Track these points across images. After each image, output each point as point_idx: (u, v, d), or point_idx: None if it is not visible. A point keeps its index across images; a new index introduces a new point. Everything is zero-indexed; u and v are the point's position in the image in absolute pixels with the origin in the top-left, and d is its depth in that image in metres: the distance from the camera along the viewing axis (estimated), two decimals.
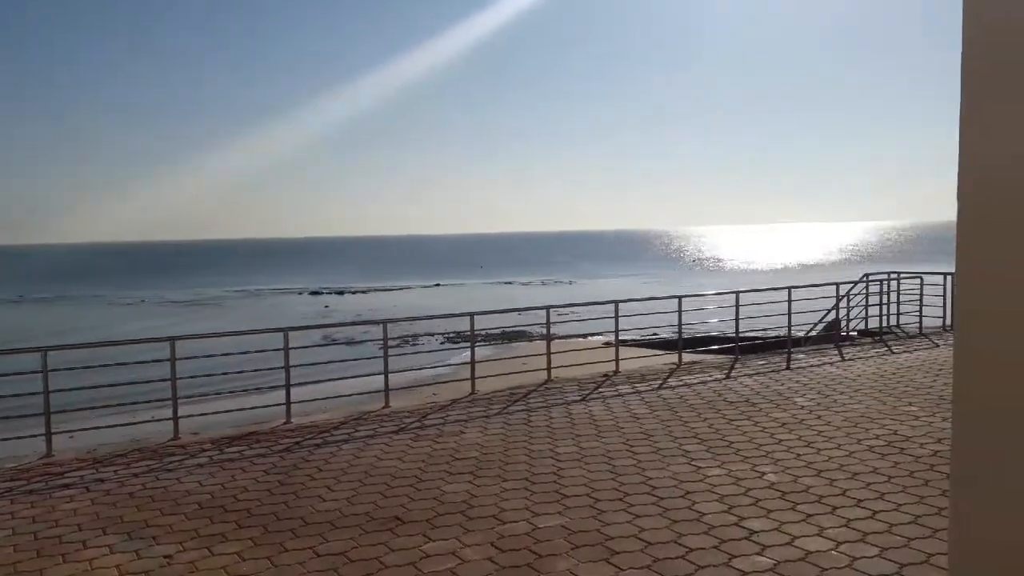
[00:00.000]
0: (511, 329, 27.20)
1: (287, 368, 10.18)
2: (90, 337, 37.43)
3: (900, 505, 6.28)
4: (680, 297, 13.70)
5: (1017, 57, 1.42)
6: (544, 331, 12.78)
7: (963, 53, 1.52)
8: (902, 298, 16.85)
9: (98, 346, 12.51)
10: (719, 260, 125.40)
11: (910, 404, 9.68)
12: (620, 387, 11.46)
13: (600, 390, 11.30)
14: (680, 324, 13.61)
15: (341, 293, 69.33)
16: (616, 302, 13.19)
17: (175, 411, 9.49)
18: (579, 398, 10.80)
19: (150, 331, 30.89)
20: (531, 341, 24.58)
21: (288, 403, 10.11)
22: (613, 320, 13.16)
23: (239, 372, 12.00)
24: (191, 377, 10.74)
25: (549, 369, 12.29)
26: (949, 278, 15.62)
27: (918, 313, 16.36)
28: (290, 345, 10.22)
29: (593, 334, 19.66)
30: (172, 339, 9.54)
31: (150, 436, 9.65)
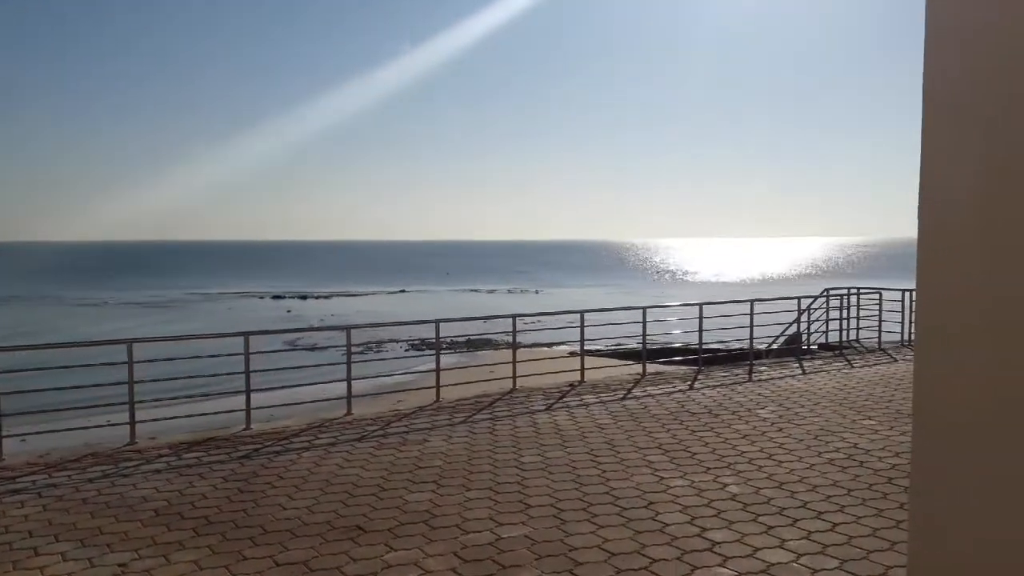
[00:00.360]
0: (477, 337, 27.16)
1: (247, 373, 10.03)
2: (42, 339, 36.56)
3: (859, 518, 6.36)
4: (645, 308, 13.78)
5: (977, 77, 1.44)
6: (510, 340, 12.76)
7: (924, 72, 1.54)
8: (862, 313, 17.14)
9: (53, 348, 12.22)
10: (684, 272, 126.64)
11: (869, 418, 9.83)
12: (585, 397, 11.47)
13: (565, 400, 11.30)
14: (644, 335, 13.68)
15: (304, 298, 68.66)
16: (582, 312, 13.23)
17: (132, 415, 9.29)
18: (544, 407, 10.79)
19: (106, 333, 30.30)
20: (497, 349, 24.55)
21: (248, 408, 9.95)
22: (579, 330, 13.19)
23: (198, 376, 11.80)
24: (149, 381, 10.52)
25: (515, 378, 12.27)
26: (907, 294, 15.94)
27: (877, 328, 16.64)
28: (251, 350, 10.07)
29: (559, 343, 19.70)
30: (130, 341, 9.35)
31: (106, 441, 9.43)
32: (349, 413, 10.60)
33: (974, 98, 1.47)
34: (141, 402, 9.67)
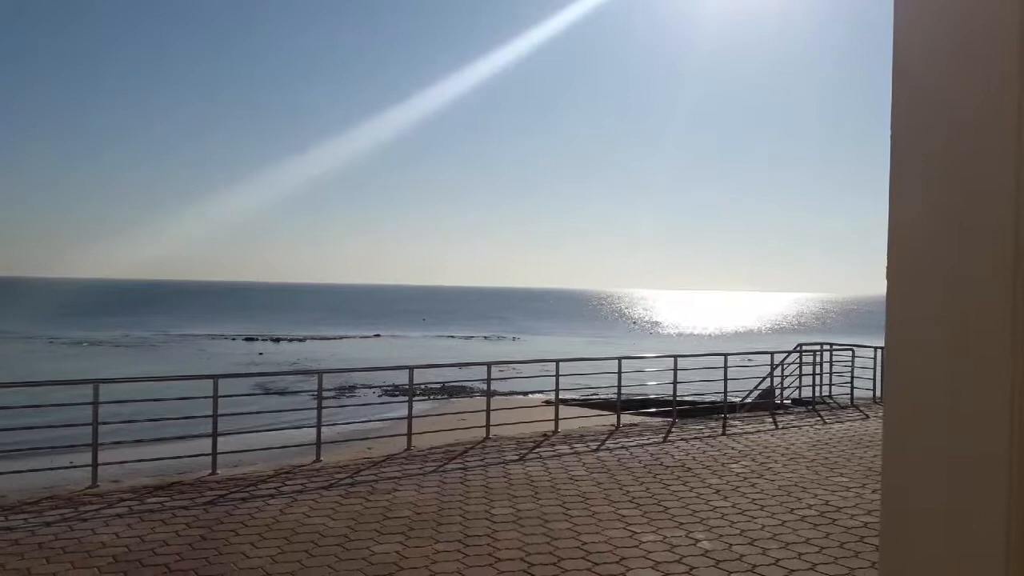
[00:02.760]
0: (451, 384, 26.97)
1: (215, 416, 9.85)
2: (6, 378, 35.78)
3: None
4: (620, 359, 13.79)
5: (944, 135, 1.47)
6: (484, 387, 12.68)
7: (892, 130, 1.56)
8: (835, 369, 17.26)
9: (17, 387, 11.94)
10: (658, 323, 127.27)
11: (841, 475, 9.83)
12: (559, 447, 11.38)
13: (538, 450, 11.20)
14: (619, 385, 13.66)
15: (277, 340, 67.89)
16: (557, 361, 13.21)
17: (95, 457, 9.07)
18: (517, 457, 10.68)
19: (75, 373, 29.74)
20: (471, 397, 24.37)
21: (215, 453, 9.75)
22: (554, 379, 13.15)
23: (165, 419, 11.56)
24: (114, 423, 10.29)
25: (488, 426, 12.16)
26: (880, 351, 16.10)
27: (850, 384, 16.76)
28: (220, 393, 9.91)
29: (533, 392, 19.60)
30: (96, 382, 9.17)
31: (67, 483, 9.18)
32: (318, 460, 10.42)
33: (941, 159, 1.49)
34: (105, 444, 9.45)
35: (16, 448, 10.77)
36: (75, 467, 9.78)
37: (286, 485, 9.05)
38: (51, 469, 9.76)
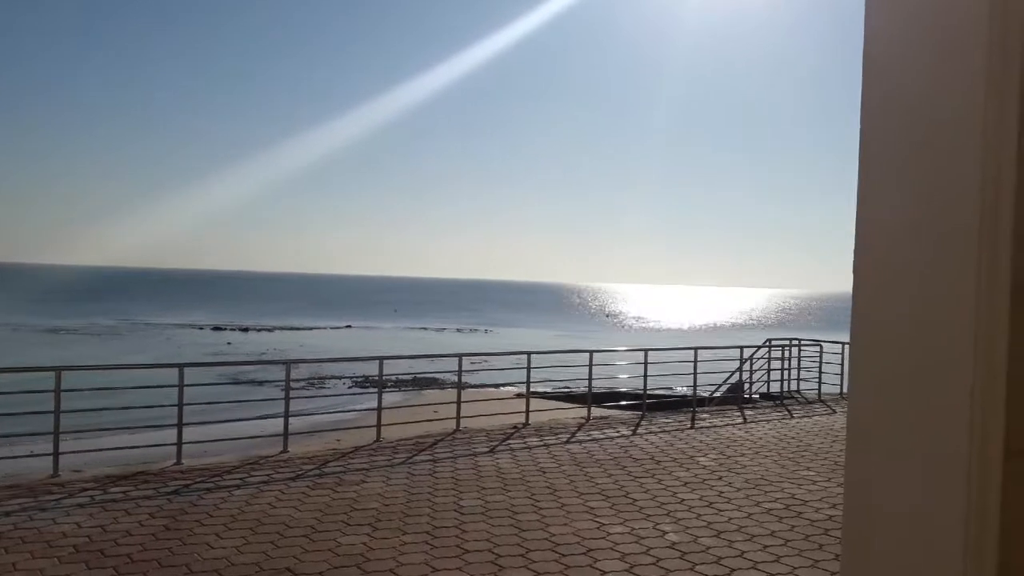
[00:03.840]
0: (422, 375, 26.88)
1: (180, 406, 9.71)
2: None
3: (795, 568, 6.37)
4: (592, 352, 13.81)
5: (912, 136, 1.46)
6: (456, 379, 12.65)
7: (861, 130, 1.55)
8: (803, 364, 17.45)
9: None
10: (631, 317, 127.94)
11: (808, 469, 9.93)
12: (529, 439, 11.38)
13: (509, 442, 11.20)
14: (590, 378, 13.69)
15: (246, 330, 67.20)
16: (528, 353, 13.20)
17: (56, 446, 8.90)
18: (487, 449, 10.67)
19: (36, 360, 29.23)
20: (442, 389, 24.33)
21: (179, 443, 9.62)
22: (525, 371, 13.14)
23: (129, 408, 11.39)
24: (76, 412, 10.11)
25: (458, 418, 12.13)
26: (847, 347, 16.31)
27: (817, 379, 16.96)
28: (185, 382, 9.77)
29: (505, 384, 19.60)
30: (58, 369, 9.00)
31: (27, 472, 9.00)
32: (285, 451, 10.32)
33: (908, 157, 1.48)
34: (66, 432, 9.28)
35: None
36: (36, 456, 9.60)
37: (252, 476, 8.96)
38: (11, 458, 9.57)
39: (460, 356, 12.59)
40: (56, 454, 8.88)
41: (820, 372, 16.93)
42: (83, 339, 55.81)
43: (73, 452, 9.56)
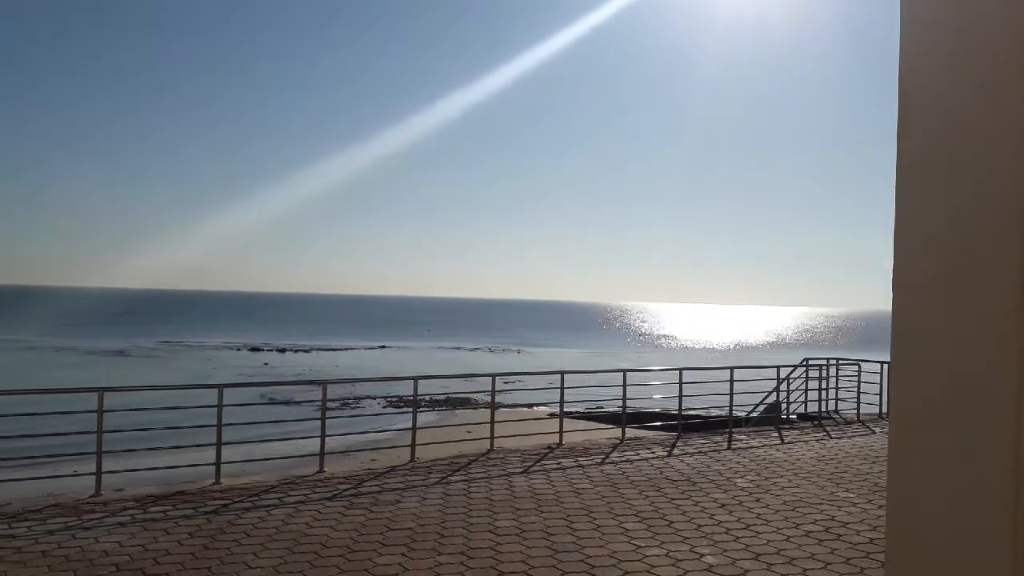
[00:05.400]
0: (455, 395, 26.93)
1: (219, 426, 9.85)
2: (10, 385, 35.84)
3: None
4: (625, 371, 13.75)
5: (950, 149, 1.46)
6: (489, 399, 12.65)
7: (898, 145, 1.56)
8: (841, 384, 17.18)
9: (21, 394, 11.94)
10: (663, 336, 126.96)
11: (848, 490, 9.76)
12: (563, 460, 11.34)
13: (543, 462, 11.16)
14: (624, 398, 13.62)
15: (283, 351, 67.95)
16: (562, 373, 13.17)
17: (99, 466, 9.06)
18: (521, 470, 10.64)
19: (81, 381, 29.78)
20: (475, 409, 24.34)
21: (218, 462, 9.74)
22: (558, 391, 13.11)
23: (169, 428, 11.56)
24: (118, 431, 10.29)
25: (492, 438, 12.13)
26: (886, 366, 16.02)
27: (856, 399, 16.67)
28: (224, 402, 9.90)
29: (538, 404, 19.55)
30: (101, 390, 9.17)
31: (70, 491, 9.17)
32: (321, 470, 10.39)
33: (947, 168, 1.48)
34: (109, 452, 9.45)
35: (20, 456, 10.78)
36: (79, 475, 9.78)
37: (289, 495, 9.04)
38: (55, 477, 9.75)
39: (493, 376, 12.61)
40: (99, 473, 9.05)
41: (859, 392, 16.64)
42: (124, 360, 56.80)
43: (115, 472, 9.72)
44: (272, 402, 26.19)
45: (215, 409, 9.85)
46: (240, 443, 11.50)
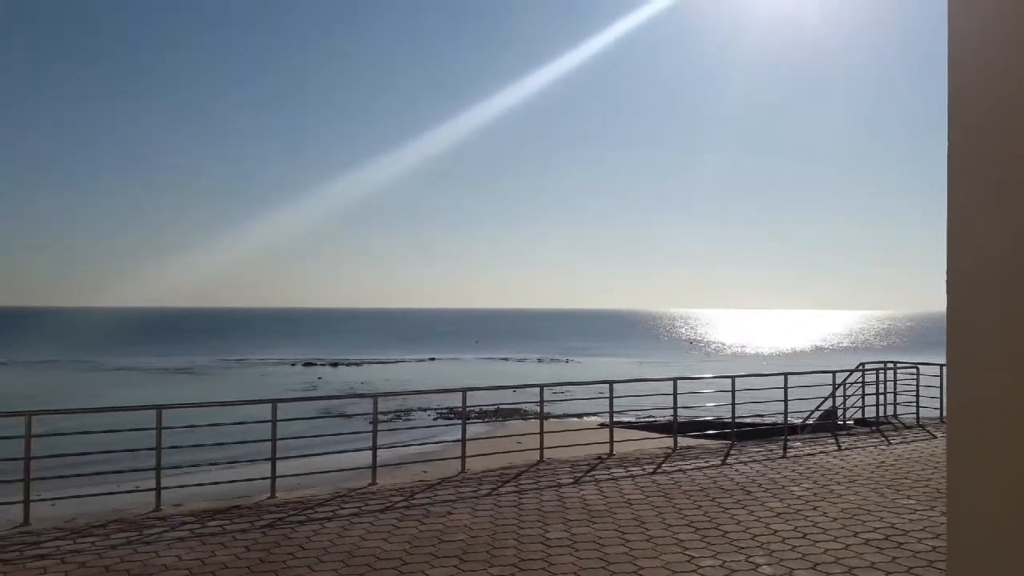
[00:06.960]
0: (505, 406, 26.93)
1: (273, 441, 10.01)
2: (75, 404, 36.94)
3: None
4: (676, 380, 13.60)
5: (1000, 150, 1.43)
6: (538, 410, 12.63)
7: (949, 146, 1.53)
8: (899, 388, 16.75)
9: (84, 413, 12.29)
10: (714, 343, 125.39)
11: (908, 497, 9.50)
12: (614, 470, 11.25)
13: (593, 473, 11.09)
14: (675, 407, 13.47)
15: (335, 365, 68.96)
16: (611, 382, 13.09)
17: (158, 481, 9.28)
18: (571, 480, 10.59)
19: (138, 399, 30.56)
20: (524, 420, 24.33)
21: (273, 477, 9.90)
22: (608, 400, 13.03)
23: (225, 443, 11.79)
24: (176, 448, 10.54)
25: (542, 449, 12.10)
26: (945, 369, 15.58)
27: (915, 403, 16.24)
28: (278, 417, 10.07)
29: (587, 414, 19.46)
30: (159, 407, 9.40)
31: (132, 506, 9.41)
32: (374, 483, 10.49)
33: (998, 173, 1.45)
34: (169, 468, 9.67)
35: (86, 472, 11.10)
36: (140, 491, 10.02)
37: (342, 508, 9.13)
38: (117, 493, 10.01)
39: (542, 386, 12.58)
40: (158, 489, 9.26)
41: (917, 395, 16.21)
42: (181, 378, 58.15)
43: (174, 487, 9.94)
44: (326, 415, 26.54)
45: (269, 424, 10.02)
46: (294, 457, 11.66)
